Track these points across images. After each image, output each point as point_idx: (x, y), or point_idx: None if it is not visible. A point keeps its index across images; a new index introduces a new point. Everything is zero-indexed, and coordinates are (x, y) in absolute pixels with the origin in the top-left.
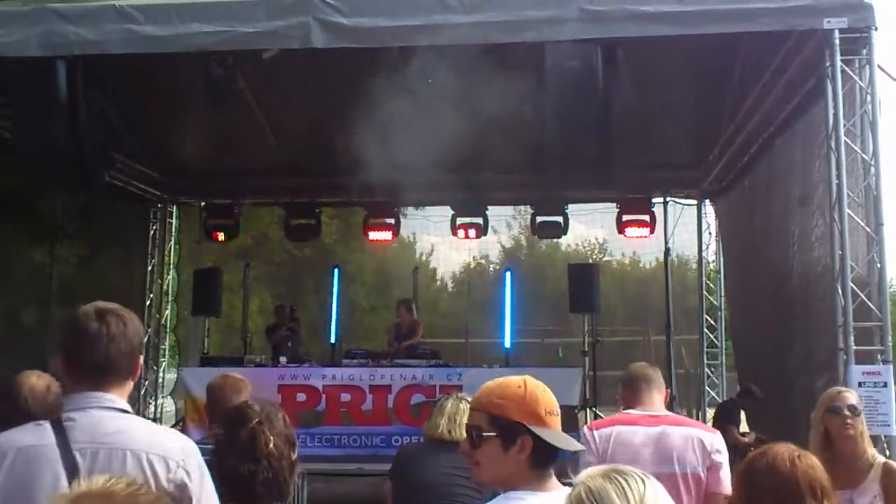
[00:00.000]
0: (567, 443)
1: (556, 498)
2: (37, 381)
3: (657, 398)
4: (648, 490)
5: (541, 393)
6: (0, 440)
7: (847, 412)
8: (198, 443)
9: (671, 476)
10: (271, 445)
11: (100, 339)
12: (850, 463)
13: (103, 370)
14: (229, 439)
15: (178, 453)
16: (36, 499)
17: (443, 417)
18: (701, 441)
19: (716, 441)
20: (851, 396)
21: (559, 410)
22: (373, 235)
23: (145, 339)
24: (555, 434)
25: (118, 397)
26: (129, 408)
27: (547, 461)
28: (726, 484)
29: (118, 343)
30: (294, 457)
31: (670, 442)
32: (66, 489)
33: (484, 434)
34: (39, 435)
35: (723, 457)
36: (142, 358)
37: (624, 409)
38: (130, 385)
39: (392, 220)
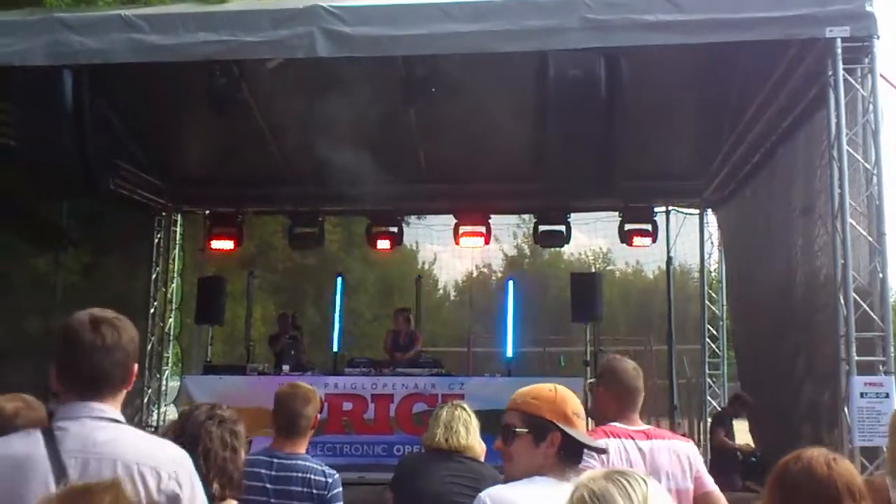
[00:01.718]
0: (590, 441)
1: None
2: (4, 404)
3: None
4: (651, 490)
5: (569, 397)
6: None
7: None
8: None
9: None
10: None
11: (94, 350)
12: None
13: (97, 381)
14: None
15: (169, 465)
16: None
17: (439, 427)
18: (687, 455)
19: (693, 451)
20: None
21: (584, 414)
22: (373, 244)
23: (148, 348)
24: (580, 433)
25: (111, 407)
26: (121, 418)
27: (572, 458)
28: (711, 481)
29: (113, 354)
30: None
31: (660, 458)
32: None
33: (517, 430)
34: (29, 443)
35: (702, 463)
36: (136, 364)
37: (610, 422)
38: (124, 393)
39: (395, 229)
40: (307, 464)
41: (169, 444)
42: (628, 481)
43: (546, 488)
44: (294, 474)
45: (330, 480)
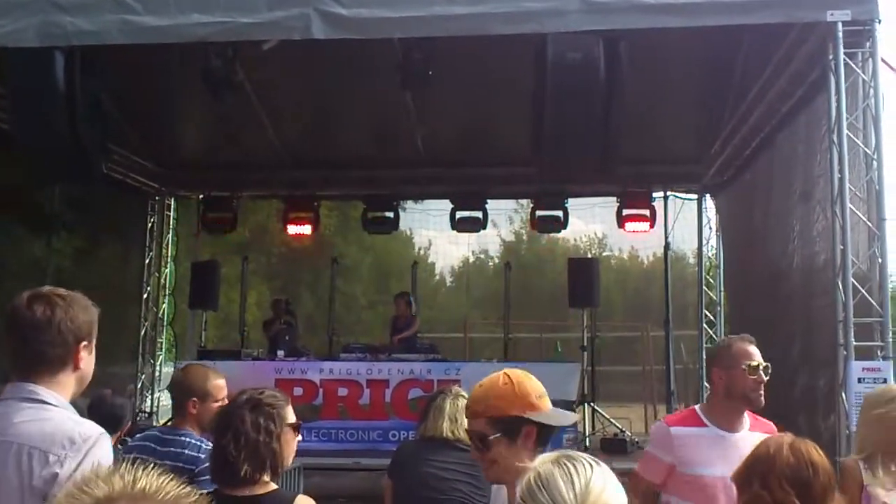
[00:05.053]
0: (564, 418)
1: None
2: None
3: None
4: (595, 475)
5: (526, 381)
6: None
7: None
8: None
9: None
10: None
11: (25, 328)
12: None
13: (32, 361)
14: None
15: (59, 448)
16: None
17: (444, 419)
18: None
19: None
20: None
21: (545, 391)
22: (370, 229)
23: (142, 333)
24: (550, 415)
25: (46, 388)
26: (54, 399)
27: (548, 440)
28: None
29: (45, 332)
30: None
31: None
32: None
33: (490, 438)
34: None
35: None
36: (83, 344)
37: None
38: (69, 376)
39: (391, 214)
40: (186, 439)
41: (84, 425)
42: (574, 465)
43: None
44: (171, 449)
45: (202, 456)
